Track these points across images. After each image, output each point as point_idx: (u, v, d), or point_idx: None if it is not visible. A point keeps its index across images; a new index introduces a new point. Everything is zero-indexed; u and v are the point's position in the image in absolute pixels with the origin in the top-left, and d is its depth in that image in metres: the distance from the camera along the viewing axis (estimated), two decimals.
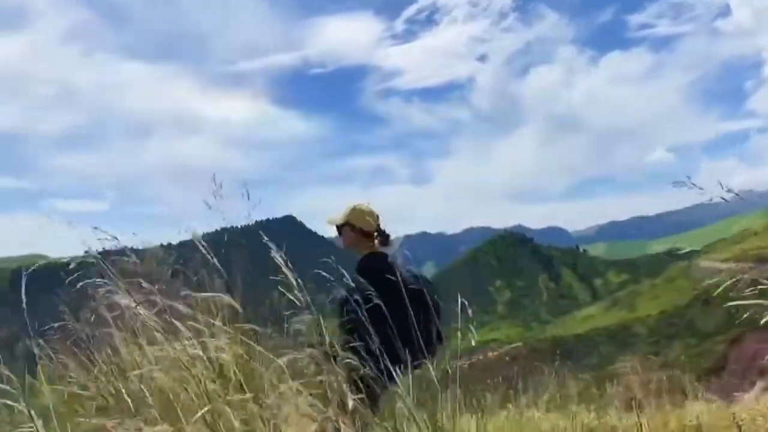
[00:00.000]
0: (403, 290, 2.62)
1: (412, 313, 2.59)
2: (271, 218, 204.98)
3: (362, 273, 2.79)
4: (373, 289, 2.56)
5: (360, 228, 3.02)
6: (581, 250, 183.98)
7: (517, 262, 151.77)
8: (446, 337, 2.88)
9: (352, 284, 2.58)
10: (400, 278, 2.66)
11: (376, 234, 3.04)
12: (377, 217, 3.06)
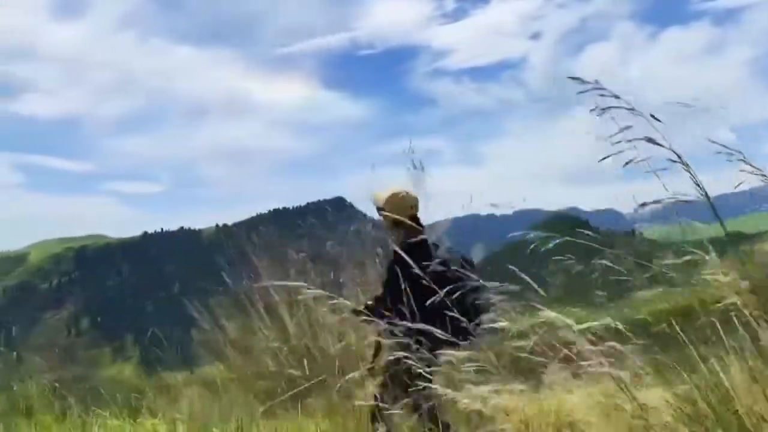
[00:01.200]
0: (430, 282, 2.86)
1: (439, 303, 2.80)
2: (321, 199, 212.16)
3: (390, 260, 3.06)
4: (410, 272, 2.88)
5: (395, 216, 3.23)
6: (638, 232, 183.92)
7: (570, 247, 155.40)
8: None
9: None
10: (429, 267, 2.92)
11: (408, 222, 3.21)
12: (413, 205, 3.28)
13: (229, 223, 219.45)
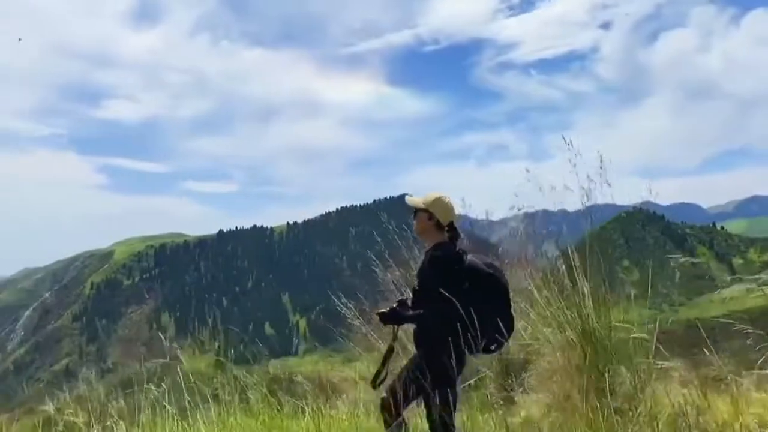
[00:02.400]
0: (476, 281, 3.31)
1: (481, 302, 3.25)
2: (388, 197, 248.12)
3: (437, 257, 3.37)
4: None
5: (437, 219, 3.46)
6: (718, 227, 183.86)
7: (646, 241, 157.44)
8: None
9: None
10: (473, 267, 3.34)
11: (447, 228, 3.47)
12: (454, 213, 3.52)
13: (300, 221, 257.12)
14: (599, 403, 3.69)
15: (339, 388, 4.87)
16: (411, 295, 3.52)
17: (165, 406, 4.23)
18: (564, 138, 4.67)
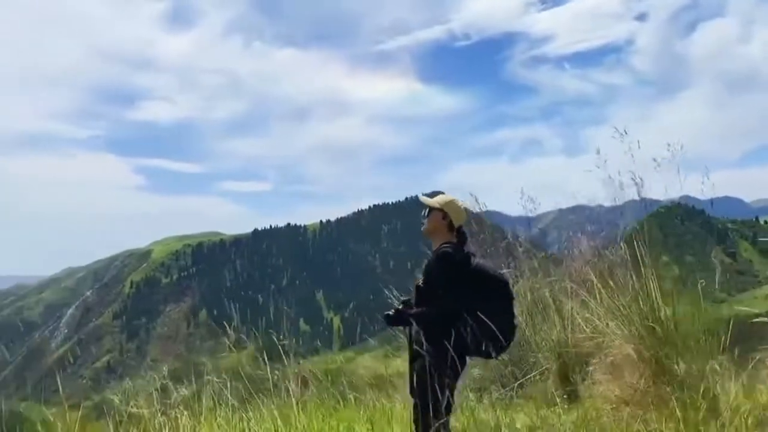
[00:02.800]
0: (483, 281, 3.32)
1: (485, 305, 3.24)
2: (421, 194, 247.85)
3: (444, 255, 3.38)
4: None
5: (450, 220, 3.51)
6: (762, 221, 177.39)
7: (685, 236, 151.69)
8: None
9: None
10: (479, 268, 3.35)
11: (457, 231, 3.52)
12: (465, 218, 3.61)
13: (332, 219, 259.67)
14: (674, 397, 3.56)
15: (394, 382, 4.72)
16: (414, 293, 3.49)
17: (227, 397, 4.21)
18: (617, 128, 4.66)
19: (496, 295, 3.38)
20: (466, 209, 3.74)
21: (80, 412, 4.30)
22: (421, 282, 3.44)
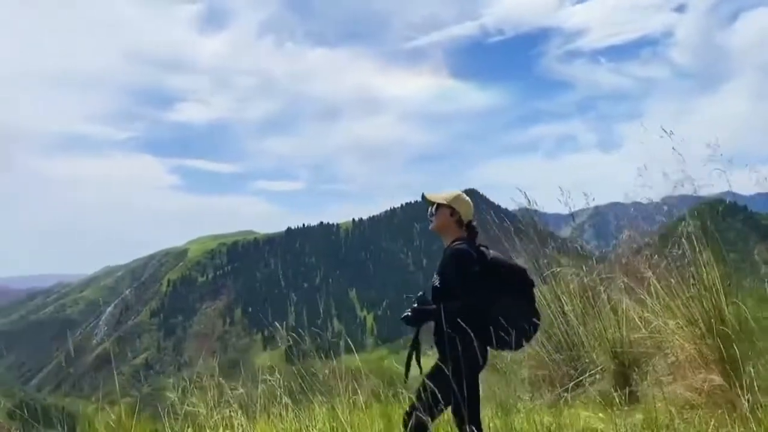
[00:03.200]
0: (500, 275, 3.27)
1: (505, 298, 3.23)
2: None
3: (460, 252, 3.31)
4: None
5: (459, 216, 3.46)
6: None
7: (727, 233, 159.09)
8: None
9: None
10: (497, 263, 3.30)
11: (466, 227, 3.47)
12: (473, 212, 3.51)
13: (365, 217, 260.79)
14: (745, 399, 3.42)
15: None
16: (431, 293, 3.42)
17: (280, 396, 4.20)
18: (664, 129, 4.48)
19: (516, 284, 3.35)
20: (471, 204, 3.61)
21: (120, 408, 4.30)
22: (437, 282, 3.38)
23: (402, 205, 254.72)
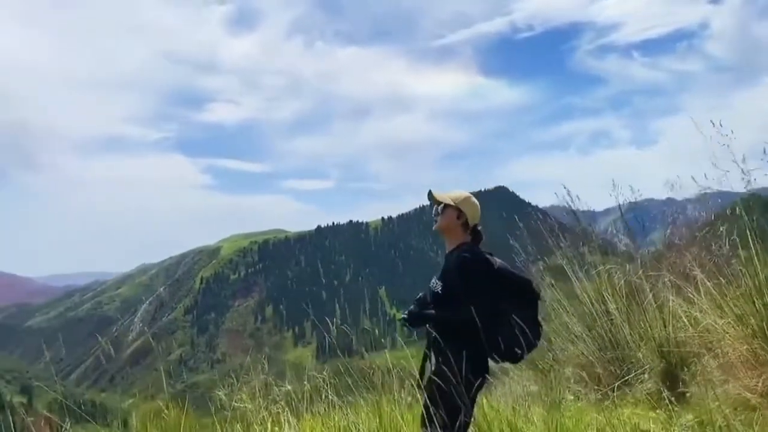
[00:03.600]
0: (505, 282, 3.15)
1: (510, 308, 3.09)
2: (483, 189, 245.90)
3: (468, 260, 3.15)
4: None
5: (466, 218, 3.28)
6: None
7: (767, 229, 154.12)
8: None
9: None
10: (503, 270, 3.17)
11: (471, 230, 3.31)
12: (480, 216, 3.36)
13: (394, 215, 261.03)
14: None
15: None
16: (432, 297, 3.26)
17: (326, 393, 4.23)
18: (713, 122, 4.25)
19: (521, 295, 3.21)
20: (479, 206, 3.40)
21: (163, 403, 4.35)
22: (439, 288, 3.20)
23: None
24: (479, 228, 3.34)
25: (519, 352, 3.07)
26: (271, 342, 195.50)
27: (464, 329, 3.03)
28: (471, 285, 3.08)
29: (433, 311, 3.19)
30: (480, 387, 3.14)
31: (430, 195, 3.37)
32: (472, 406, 3.09)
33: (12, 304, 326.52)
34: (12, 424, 4.25)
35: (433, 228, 3.35)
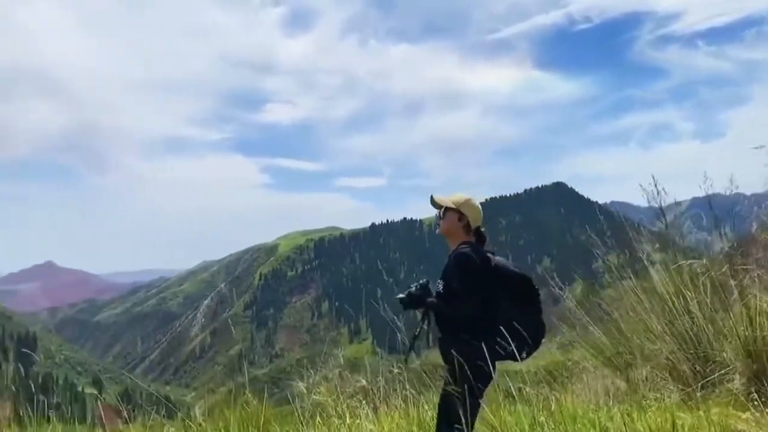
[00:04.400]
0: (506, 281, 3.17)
1: (511, 306, 3.12)
2: (540, 186, 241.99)
3: (465, 256, 3.17)
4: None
5: (467, 220, 3.33)
6: None
7: None
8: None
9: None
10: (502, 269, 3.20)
11: (474, 232, 3.36)
12: (482, 218, 3.42)
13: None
14: None
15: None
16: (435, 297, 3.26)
17: (402, 387, 4.24)
18: None
19: (521, 293, 3.21)
20: (480, 208, 3.47)
21: (216, 396, 4.41)
22: (440, 288, 3.23)
23: (486, 199, 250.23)
24: (482, 229, 3.40)
25: (520, 351, 3.04)
26: (327, 338, 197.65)
27: (466, 327, 3.09)
28: (467, 281, 3.11)
29: (434, 299, 3.20)
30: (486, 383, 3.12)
31: (432, 200, 3.46)
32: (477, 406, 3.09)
33: (83, 300, 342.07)
34: (84, 413, 4.43)
35: (436, 232, 3.43)
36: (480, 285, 3.13)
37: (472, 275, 3.14)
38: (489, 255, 3.28)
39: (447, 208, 3.38)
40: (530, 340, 3.08)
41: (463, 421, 2.97)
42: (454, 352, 3.06)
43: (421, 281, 3.29)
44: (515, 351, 3.01)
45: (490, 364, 3.00)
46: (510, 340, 2.98)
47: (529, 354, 3.15)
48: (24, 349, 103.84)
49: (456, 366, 3.03)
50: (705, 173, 4.86)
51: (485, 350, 2.96)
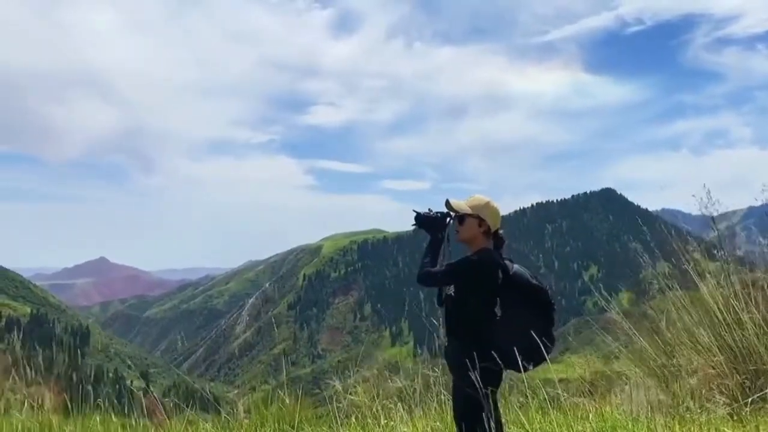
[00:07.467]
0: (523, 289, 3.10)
1: (523, 315, 3.05)
2: (588, 192, 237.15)
3: (481, 262, 3.10)
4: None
5: (488, 225, 3.23)
6: None
7: None
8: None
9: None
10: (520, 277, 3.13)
11: (493, 236, 3.28)
12: (501, 221, 3.34)
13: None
14: None
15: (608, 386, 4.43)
16: (446, 300, 3.26)
17: (438, 390, 4.22)
18: None
19: (536, 304, 3.13)
20: (499, 211, 3.37)
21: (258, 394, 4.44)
22: (452, 291, 3.19)
23: (532, 205, 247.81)
24: (501, 232, 3.33)
25: (523, 361, 2.97)
26: (369, 340, 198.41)
27: (475, 332, 3.06)
28: (484, 287, 3.08)
29: (440, 237, 3.26)
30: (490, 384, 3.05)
31: (447, 204, 3.31)
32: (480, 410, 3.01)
33: (133, 296, 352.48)
34: (131, 405, 4.57)
35: (456, 240, 3.29)
36: (494, 289, 3.10)
37: (487, 279, 3.10)
38: (508, 262, 3.21)
39: (465, 215, 3.25)
40: (539, 351, 3.02)
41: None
42: (458, 358, 3.06)
43: (442, 212, 3.30)
44: (521, 361, 2.96)
45: (495, 372, 3.01)
46: (518, 350, 2.93)
47: (536, 365, 3.11)
48: (77, 342, 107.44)
49: (458, 373, 3.05)
50: (763, 183, 4.77)
51: (493, 357, 2.95)
